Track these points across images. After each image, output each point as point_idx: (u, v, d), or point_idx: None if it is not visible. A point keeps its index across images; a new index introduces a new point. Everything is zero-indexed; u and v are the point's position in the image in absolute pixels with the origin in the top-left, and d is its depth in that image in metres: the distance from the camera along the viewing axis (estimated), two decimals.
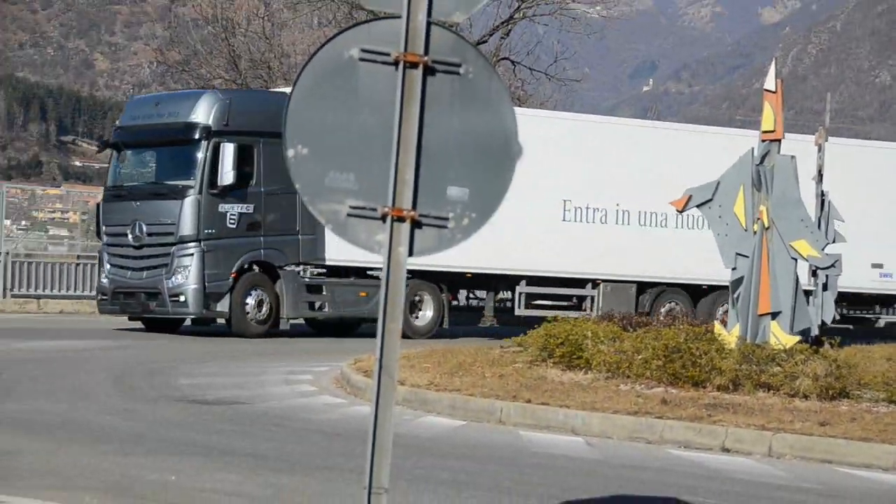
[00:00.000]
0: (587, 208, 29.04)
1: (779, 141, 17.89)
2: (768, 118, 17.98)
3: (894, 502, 11.29)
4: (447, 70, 6.58)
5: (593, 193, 29.08)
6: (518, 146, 6.71)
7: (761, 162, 17.63)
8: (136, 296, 25.71)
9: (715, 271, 28.43)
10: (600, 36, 50.58)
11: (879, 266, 29.85)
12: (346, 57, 6.54)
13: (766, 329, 17.38)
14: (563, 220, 28.80)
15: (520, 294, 28.69)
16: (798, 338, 17.49)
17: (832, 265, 20.41)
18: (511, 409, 15.32)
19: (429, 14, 6.53)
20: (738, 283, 17.70)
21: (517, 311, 28.87)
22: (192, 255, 25.00)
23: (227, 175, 24.96)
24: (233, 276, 25.24)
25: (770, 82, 18.32)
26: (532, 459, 12.88)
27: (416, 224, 6.57)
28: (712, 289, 29.46)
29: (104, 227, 26.74)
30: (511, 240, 26.85)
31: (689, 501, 10.57)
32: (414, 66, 6.52)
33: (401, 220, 6.54)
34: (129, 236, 25.72)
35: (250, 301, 25.63)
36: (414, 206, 6.56)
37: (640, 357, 16.68)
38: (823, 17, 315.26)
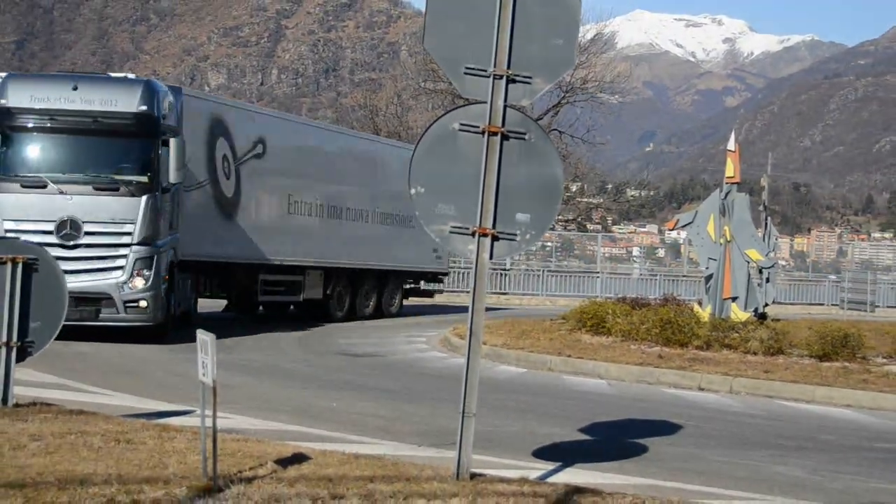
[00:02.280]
0: (302, 203, 21.48)
1: (737, 183, 17.68)
2: (730, 169, 17.77)
3: (812, 422, 11.05)
4: (517, 136, 6.55)
5: (307, 190, 21.65)
6: (562, 187, 6.66)
7: (725, 197, 17.43)
8: (72, 302, 13.96)
9: (375, 261, 23.67)
10: (617, 114, 50.43)
11: (435, 251, 25.87)
12: (450, 128, 6.56)
13: (728, 308, 17.14)
14: (289, 213, 21.09)
15: (261, 281, 20.41)
16: (749, 314, 17.26)
17: (772, 266, 20.09)
18: (557, 360, 15.21)
19: (505, 100, 6.52)
20: (709, 278, 17.48)
21: (260, 298, 20.82)
22: (152, 258, 15.67)
23: (177, 172, 15.84)
24: (165, 278, 16.08)
25: (731, 145, 18.10)
26: (571, 394, 12.78)
27: (494, 238, 6.56)
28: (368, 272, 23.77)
29: (6, 223, 15.39)
30: (255, 233, 19.94)
31: (676, 422, 10.41)
32: (494, 134, 6.51)
33: (485, 235, 6.54)
34: (56, 235, 15.28)
35: (172, 302, 16.56)
36: (493, 226, 6.54)
37: (644, 326, 16.47)
38: (766, 102, 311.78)
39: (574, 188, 47.72)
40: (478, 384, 6.54)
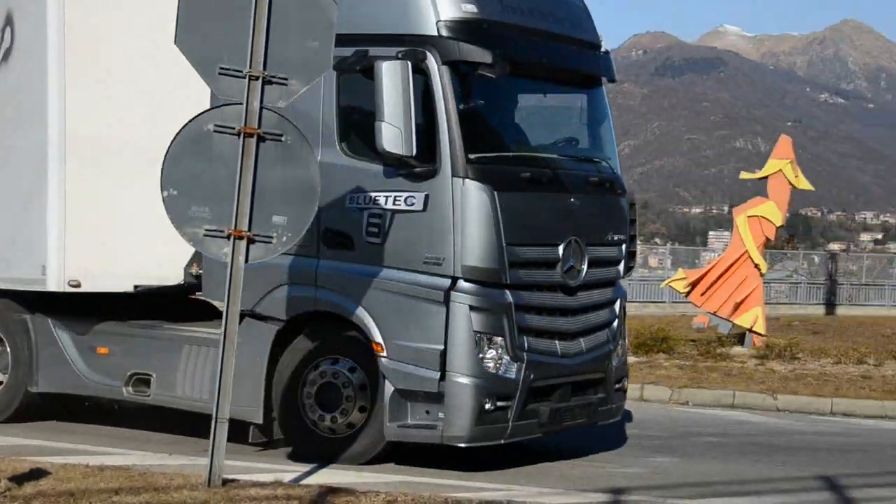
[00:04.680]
0: None
1: None
2: None
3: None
4: (273, 138, 6.50)
5: None
6: (318, 189, 6.61)
7: None
8: (568, 391, 8.04)
9: None
10: None
11: None
12: (205, 129, 6.43)
13: None
14: None
15: None
16: None
17: None
18: None
19: (261, 102, 6.46)
20: None
21: None
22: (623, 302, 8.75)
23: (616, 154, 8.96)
24: None
25: None
26: None
27: (250, 241, 6.48)
28: None
29: (510, 250, 7.51)
30: None
31: None
32: (250, 135, 6.44)
33: (240, 238, 6.45)
34: (561, 270, 7.86)
35: None
36: (249, 229, 6.46)
37: None
38: None
39: None
40: (231, 387, 6.42)
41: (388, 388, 7.47)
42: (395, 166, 7.42)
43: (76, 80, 8.36)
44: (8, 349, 9.05)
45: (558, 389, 7.98)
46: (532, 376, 7.64)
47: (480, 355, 7.39)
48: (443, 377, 7.32)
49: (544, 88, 8.53)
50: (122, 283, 8.69)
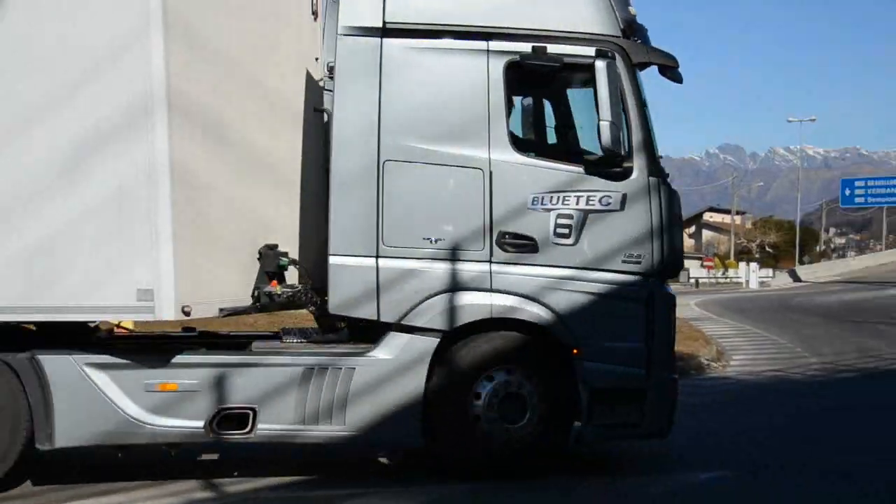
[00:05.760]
0: None
1: None
2: None
3: None
4: None
5: None
6: None
7: None
8: None
9: None
10: None
11: None
12: None
13: None
14: None
15: None
16: None
17: None
18: None
19: None
20: None
21: None
22: None
23: None
24: None
25: None
26: None
27: None
28: None
29: None
30: None
31: None
32: None
33: None
34: None
35: None
36: None
37: None
38: None
39: None
40: None
41: (585, 391, 7.27)
42: (591, 166, 7.36)
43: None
44: None
45: None
46: None
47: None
48: (648, 374, 7.32)
49: None
50: (210, 309, 7.36)
